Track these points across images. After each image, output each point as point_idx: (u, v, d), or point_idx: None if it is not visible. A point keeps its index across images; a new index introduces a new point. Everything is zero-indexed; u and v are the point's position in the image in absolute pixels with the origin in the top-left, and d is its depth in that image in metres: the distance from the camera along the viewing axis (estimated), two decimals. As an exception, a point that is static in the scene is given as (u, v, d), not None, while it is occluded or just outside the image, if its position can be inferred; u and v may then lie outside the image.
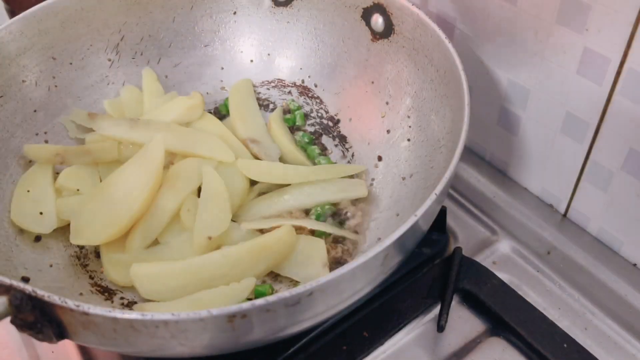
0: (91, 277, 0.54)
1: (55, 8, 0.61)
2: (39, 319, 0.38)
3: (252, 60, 0.69)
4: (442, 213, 0.57)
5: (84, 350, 0.52)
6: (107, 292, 0.53)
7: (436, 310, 0.53)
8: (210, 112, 0.67)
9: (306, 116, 0.67)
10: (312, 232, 0.55)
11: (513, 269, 0.57)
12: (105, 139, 0.61)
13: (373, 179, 0.60)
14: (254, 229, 0.55)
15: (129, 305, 0.52)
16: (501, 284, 0.53)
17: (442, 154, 0.53)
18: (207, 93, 0.69)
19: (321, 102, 0.67)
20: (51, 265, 0.53)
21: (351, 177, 0.60)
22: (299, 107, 0.67)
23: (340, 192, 0.58)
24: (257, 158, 0.61)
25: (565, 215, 0.61)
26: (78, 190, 0.57)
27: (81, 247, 0.55)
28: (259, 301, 0.36)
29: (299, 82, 0.68)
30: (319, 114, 0.67)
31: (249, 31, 0.69)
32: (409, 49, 0.58)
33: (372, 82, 0.63)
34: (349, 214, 0.57)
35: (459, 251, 0.56)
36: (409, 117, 0.59)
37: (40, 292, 0.37)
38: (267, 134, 0.64)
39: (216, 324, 0.37)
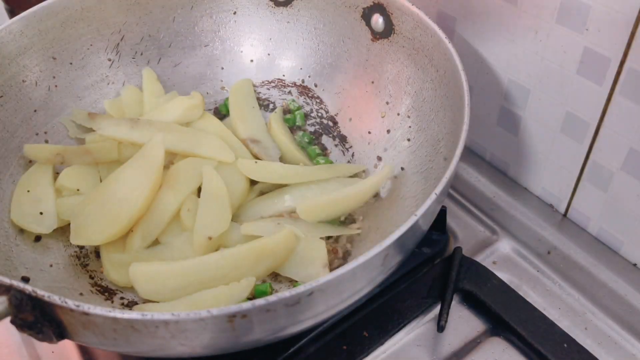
0: (91, 277, 0.54)
1: (56, 8, 0.61)
2: (39, 319, 0.38)
3: (252, 60, 0.69)
4: (442, 213, 0.57)
5: (84, 350, 0.52)
6: (107, 292, 0.53)
7: (436, 310, 0.53)
8: (210, 112, 0.67)
9: (306, 116, 0.67)
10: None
11: (513, 268, 0.57)
12: (105, 139, 0.61)
13: (373, 179, 0.60)
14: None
15: (129, 305, 0.52)
16: (501, 284, 0.54)
17: (442, 153, 0.53)
18: (207, 93, 0.69)
19: (321, 102, 0.67)
20: (51, 265, 0.53)
21: (351, 177, 0.60)
22: (299, 107, 0.67)
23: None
24: (257, 158, 0.61)
25: (565, 215, 0.61)
26: (78, 190, 0.57)
27: (81, 247, 0.55)
28: (259, 301, 0.36)
29: (299, 82, 0.68)
30: (319, 114, 0.67)
31: (249, 31, 0.69)
32: (409, 49, 0.58)
33: (372, 82, 0.63)
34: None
35: (459, 251, 0.56)
36: (409, 117, 0.59)
37: (41, 292, 0.37)
38: (267, 134, 0.64)
39: (216, 324, 0.37)
